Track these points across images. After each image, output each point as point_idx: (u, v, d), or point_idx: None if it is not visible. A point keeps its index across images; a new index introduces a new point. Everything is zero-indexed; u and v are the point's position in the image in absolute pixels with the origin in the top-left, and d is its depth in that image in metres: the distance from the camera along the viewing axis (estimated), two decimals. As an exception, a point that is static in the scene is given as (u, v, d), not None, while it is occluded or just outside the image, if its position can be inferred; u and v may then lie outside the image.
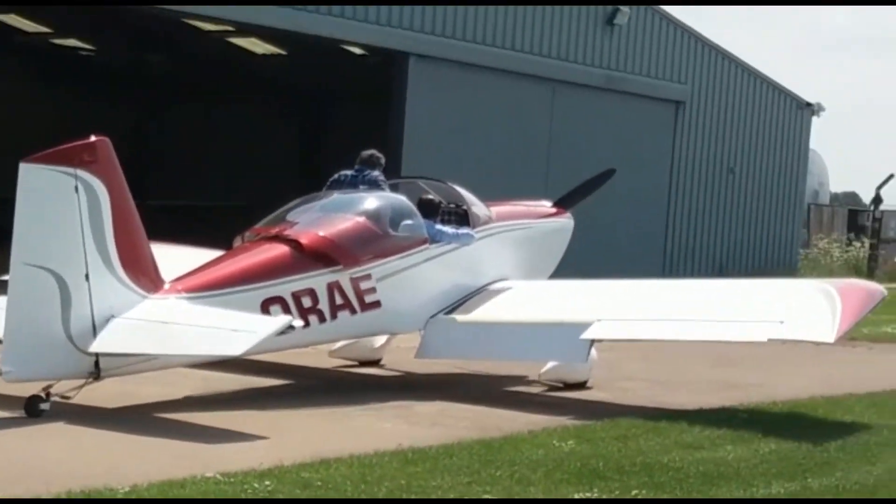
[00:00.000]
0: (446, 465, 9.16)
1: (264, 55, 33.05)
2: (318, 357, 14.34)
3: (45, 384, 10.51)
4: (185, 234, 15.41)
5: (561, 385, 13.45)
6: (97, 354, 10.61)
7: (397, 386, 13.38)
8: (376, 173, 13.73)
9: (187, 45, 32.14)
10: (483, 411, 11.88)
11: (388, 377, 14.13)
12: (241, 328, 10.63)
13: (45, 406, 10.43)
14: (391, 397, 12.36)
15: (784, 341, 12.14)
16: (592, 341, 12.20)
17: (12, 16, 30.52)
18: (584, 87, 27.72)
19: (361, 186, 13.52)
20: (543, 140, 27.09)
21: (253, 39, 31.90)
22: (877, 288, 12.46)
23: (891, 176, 36.77)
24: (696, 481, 9.01)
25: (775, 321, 11.62)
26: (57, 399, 10.56)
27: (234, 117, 36.01)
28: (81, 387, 10.68)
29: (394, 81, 24.67)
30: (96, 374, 10.72)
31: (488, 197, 14.97)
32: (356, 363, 14.61)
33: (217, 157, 36.17)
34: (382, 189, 13.58)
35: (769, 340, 11.64)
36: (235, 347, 10.50)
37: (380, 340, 14.46)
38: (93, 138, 10.81)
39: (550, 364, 13.20)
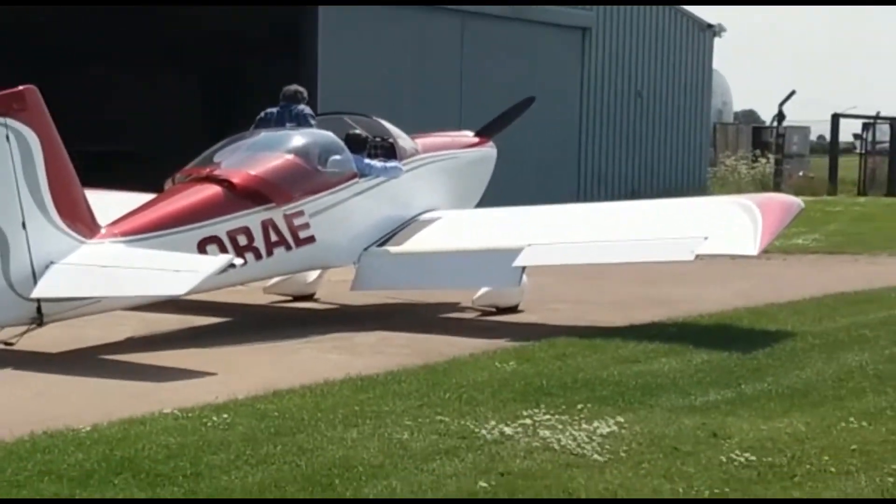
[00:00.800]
0: (396, 390, 9.36)
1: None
2: (253, 294, 14.46)
3: (-12, 333, 10.55)
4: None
5: (494, 310, 13.69)
6: (39, 300, 10.65)
7: (335, 319, 13.51)
8: (302, 107, 13.82)
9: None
10: (422, 338, 12.09)
11: (324, 311, 14.27)
12: (182, 268, 10.72)
13: (-10, 354, 10.47)
14: (330, 330, 12.50)
15: (708, 256, 12.45)
16: (524, 266, 12.44)
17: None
18: (493, 17, 27.78)
19: (289, 123, 13.60)
20: (455, 72, 27.16)
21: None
22: (794, 200, 12.82)
23: (792, 92, 37.41)
24: (636, 393, 9.31)
25: (700, 237, 11.92)
26: (1, 346, 10.60)
27: (133, 65, 35.50)
28: (24, 333, 10.72)
29: (302, 22, 24.57)
30: (39, 319, 10.76)
31: (406, 131, 15.12)
32: (291, 298, 14.74)
33: (117, 105, 35.68)
34: (311, 124, 13.66)
35: (696, 257, 11.93)
36: (179, 287, 10.59)
37: (313, 275, 14.57)
38: (20, 88, 10.77)
39: (483, 290, 13.43)
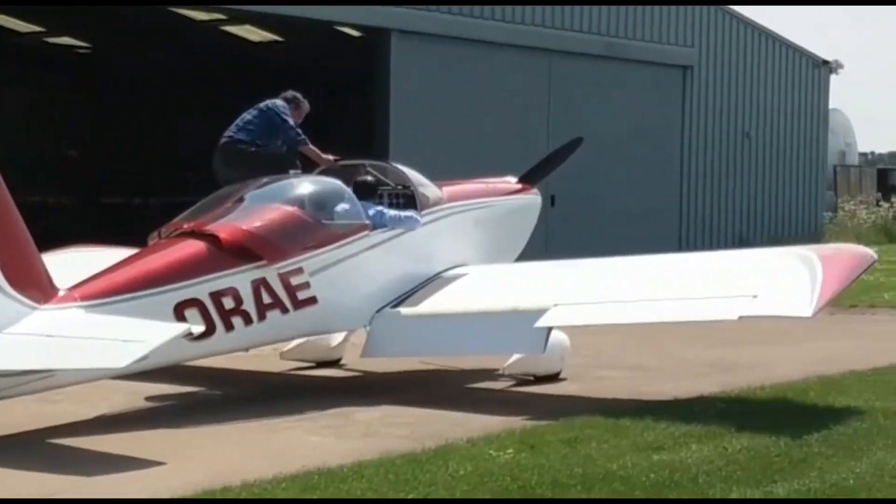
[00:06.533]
0: (349, 489, 7.81)
1: (261, 42, 31.89)
2: (269, 360, 13.04)
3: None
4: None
5: (531, 378, 12.07)
6: (-25, 374, 9.32)
7: (346, 389, 11.99)
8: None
9: (181, 36, 31.03)
10: (430, 415, 10.50)
11: (340, 379, 12.73)
12: (132, 337, 9.27)
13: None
14: (334, 403, 10.97)
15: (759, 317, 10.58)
16: (549, 329, 10.79)
17: (3, 17, 29.49)
18: (583, 56, 26.22)
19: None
20: (542, 114, 25.61)
21: (247, 27, 30.80)
22: (865, 252, 10.88)
23: (919, 132, 35.04)
24: (641, 493, 7.61)
25: (748, 296, 10.15)
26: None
27: (234, 106, 34.68)
28: (-37, 412, 9.43)
29: (377, 60, 23.38)
30: (-21, 396, 9.44)
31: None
32: (313, 364, 13.27)
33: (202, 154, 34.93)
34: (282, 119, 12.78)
35: (740, 318, 10.11)
36: (119, 359, 9.10)
37: (337, 338, 13.08)
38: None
39: (515, 356, 11.81)
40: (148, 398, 11.37)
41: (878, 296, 19.93)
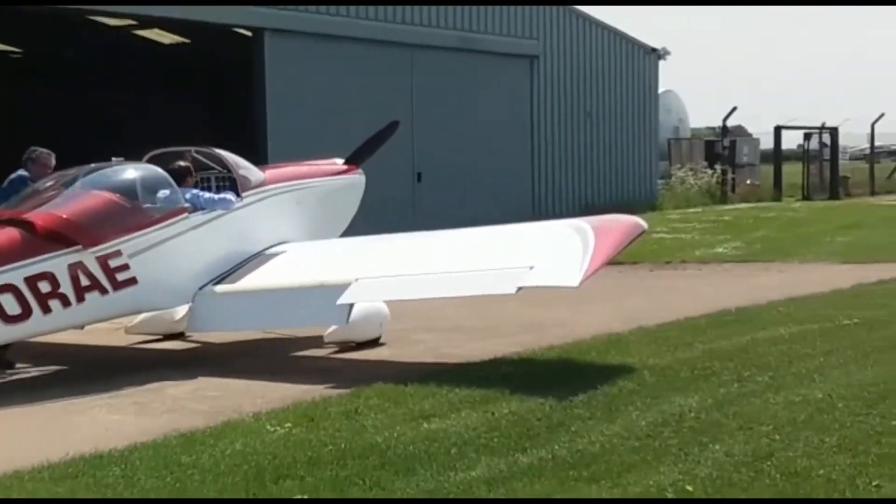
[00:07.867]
0: (104, 476, 6.57)
1: (171, 44, 30.24)
2: (113, 335, 11.70)
3: None
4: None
5: (353, 344, 10.86)
6: None
7: (172, 362, 10.67)
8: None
9: (97, 38, 29.30)
10: (239, 387, 9.25)
11: (174, 351, 11.39)
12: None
13: None
14: (156, 378, 9.68)
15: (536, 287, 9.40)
16: (351, 304, 9.59)
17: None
18: (441, 49, 24.94)
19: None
20: (406, 103, 24.30)
21: (156, 31, 29.16)
22: (635, 222, 9.73)
23: (734, 109, 34.19)
24: (387, 471, 6.44)
25: (525, 267, 9.02)
26: None
27: (145, 104, 32.94)
28: None
29: (254, 57, 21.92)
30: None
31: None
32: (160, 337, 11.94)
33: (131, 143, 33.09)
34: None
35: (519, 290, 8.96)
36: None
37: (181, 311, 11.74)
38: None
39: (332, 326, 10.60)
40: (-21, 378, 10.01)
41: (689, 252, 19.01)
